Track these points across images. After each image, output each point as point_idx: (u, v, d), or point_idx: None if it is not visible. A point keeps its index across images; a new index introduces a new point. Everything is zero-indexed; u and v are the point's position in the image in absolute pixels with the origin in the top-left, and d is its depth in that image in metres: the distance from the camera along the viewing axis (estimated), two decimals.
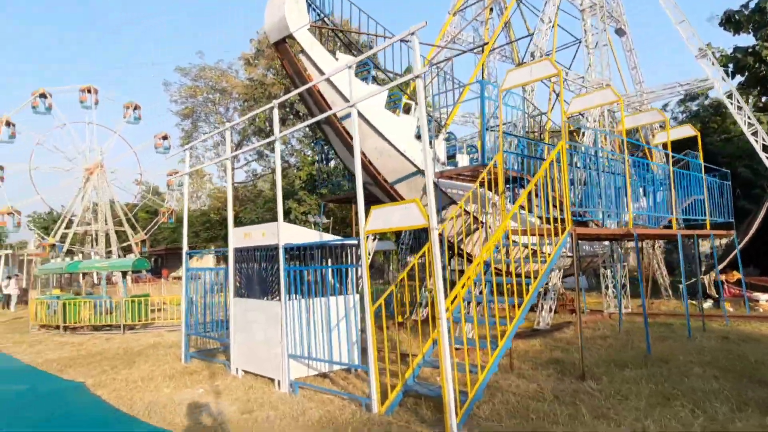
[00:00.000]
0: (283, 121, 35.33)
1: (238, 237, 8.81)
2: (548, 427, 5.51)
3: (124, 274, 18.52)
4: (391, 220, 6.14)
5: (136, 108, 40.93)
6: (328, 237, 8.26)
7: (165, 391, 7.78)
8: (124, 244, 43.11)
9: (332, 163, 16.41)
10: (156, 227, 45.99)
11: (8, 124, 36.57)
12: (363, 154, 10.35)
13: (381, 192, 11.02)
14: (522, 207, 10.23)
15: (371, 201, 15.64)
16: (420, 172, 10.76)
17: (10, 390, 8.49)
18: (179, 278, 46.24)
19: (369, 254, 12.40)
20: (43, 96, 37.37)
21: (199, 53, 75.35)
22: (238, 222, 45.77)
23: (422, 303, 15.26)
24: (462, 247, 11.11)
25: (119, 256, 38.38)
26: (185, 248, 10.87)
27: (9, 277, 27.29)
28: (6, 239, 50.95)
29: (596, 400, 6.34)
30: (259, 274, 8.32)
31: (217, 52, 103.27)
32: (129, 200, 48.39)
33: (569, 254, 11.38)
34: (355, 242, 8.85)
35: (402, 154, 10.38)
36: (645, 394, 6.50)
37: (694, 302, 14.84)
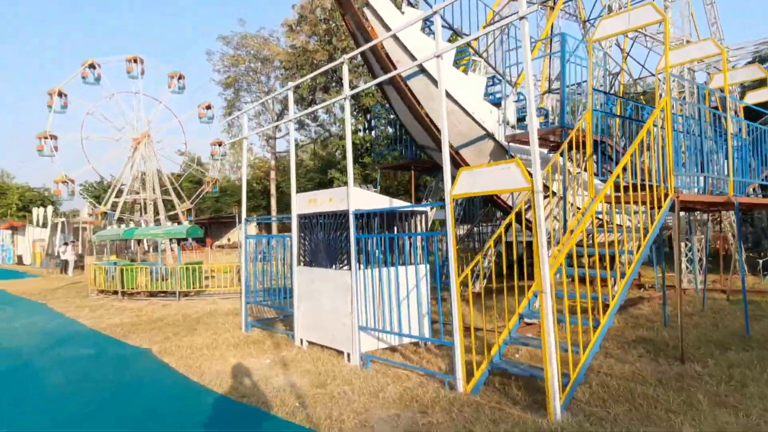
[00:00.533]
0: (326, 89, 34.71)
1: (302, 203, 8.40)
2: (662, 414, 4.92)
3: (179, 241, 18.67)
4: (480, 183, 5.53)
5: (180, 78, 41.10)
6: (399, 203, 7.73)
7: (231, 361, 7.57)
8: (171, 213, 44.02)
9: (374, 132, 15.89)
10: (200, 197, 46.71)
11: (60, 94, 37.43)
12: (427, 115, 9.69)
13: None
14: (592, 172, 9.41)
15: (427, 168, 15.07)
16: (488, 135, 10.01)
17: (81, 354, 8.50)
18: (222, 247, 47.31)
19: (429, 222, 11.87)
20: (92, 66, 37.91)
21: (241, 21, 74.35)
22: (280, 192, 45.99)
23: (478, 275, 14.69)
24: (528, 216, 10.42)
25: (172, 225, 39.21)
26: (244, 214, 10.60)
27: (66, 244, 28.23)
28: (60, 207, 52.93)
29: (708, 386, 5.68)
30: (325, 242, 7.91)
31: (258, 19, 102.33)
32: (174, 170, 49.25)
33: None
34: (425, 209, 8.34)
35: (470, 116, 9.65)
36: (764, 380, 5.79)
37: None
